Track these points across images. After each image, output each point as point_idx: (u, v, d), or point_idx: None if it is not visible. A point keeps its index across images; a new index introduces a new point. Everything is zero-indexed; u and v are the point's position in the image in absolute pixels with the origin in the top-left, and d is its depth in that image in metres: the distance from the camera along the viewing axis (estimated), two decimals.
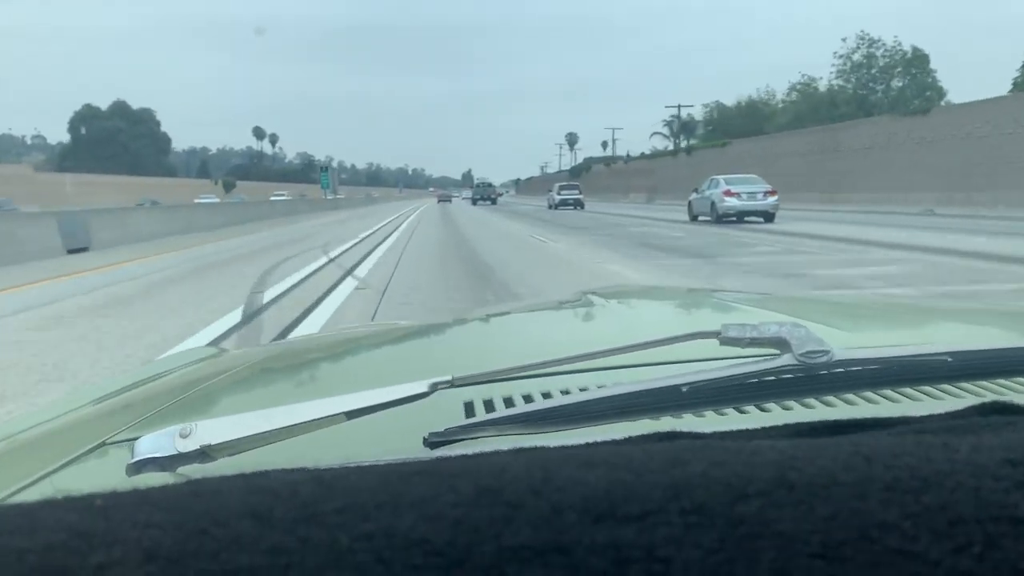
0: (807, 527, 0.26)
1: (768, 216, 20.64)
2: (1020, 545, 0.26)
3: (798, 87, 59.82)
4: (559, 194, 38.62)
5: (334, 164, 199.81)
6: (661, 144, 79.90)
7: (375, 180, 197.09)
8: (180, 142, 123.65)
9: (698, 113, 76.06)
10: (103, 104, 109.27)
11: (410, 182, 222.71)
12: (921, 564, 0.25)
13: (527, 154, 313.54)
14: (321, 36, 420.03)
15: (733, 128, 60.04)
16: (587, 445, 0.39)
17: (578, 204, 37.90)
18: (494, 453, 0.35)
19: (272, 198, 49.64)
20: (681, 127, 78.42)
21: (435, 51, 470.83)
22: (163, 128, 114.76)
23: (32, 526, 0.27)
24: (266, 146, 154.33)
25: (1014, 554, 0.26)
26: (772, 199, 20.83)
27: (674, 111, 79.10)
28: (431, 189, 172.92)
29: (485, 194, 60.31)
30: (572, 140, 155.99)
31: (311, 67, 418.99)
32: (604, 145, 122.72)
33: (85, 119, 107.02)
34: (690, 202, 23.77)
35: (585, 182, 61.87)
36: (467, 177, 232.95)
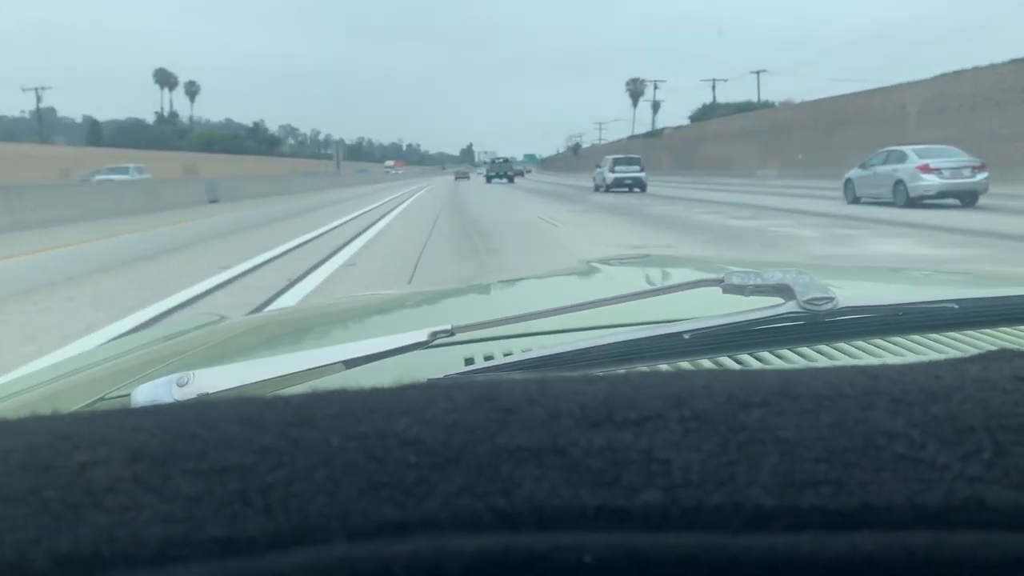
0: (811, 434, 0.26)
1: (971, 198, 15.13)
2: None
3: None
4: (613, 171, 29.04)
5: (321, 138, 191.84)
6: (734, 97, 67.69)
7: (365, 156, 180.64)
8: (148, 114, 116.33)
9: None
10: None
11: (403, 158, 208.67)
12: (928, 469, 0.25)
13: (540, 128, 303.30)
14: (306, 4, 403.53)
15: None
16: None
17: (638, 184, 28.57)
18: (492, 377, 0.33)
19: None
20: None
21: (430, 16, 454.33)
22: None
23: (17, 430, 0.27)
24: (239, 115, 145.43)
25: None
26: (980, 176, 15.34)
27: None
28: (444, 168, 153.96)
29: (502, 171, 53.27)
30: (636, 90, 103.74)
31: (294, 33, 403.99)
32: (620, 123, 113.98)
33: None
34: (849, 181, 17.99)
35: (651, 156, 50.41)
36: (466, 153, 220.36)
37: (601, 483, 0.25)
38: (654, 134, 78.10)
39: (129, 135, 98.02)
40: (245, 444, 0.26)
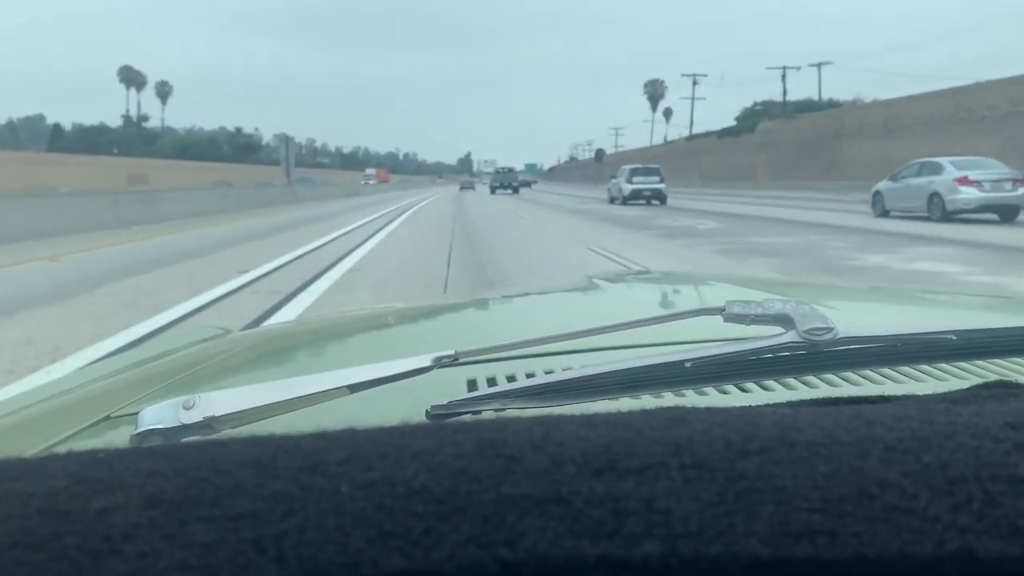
0: (807, 483, 0.27)
1: (1011, 212, 14.91)
2: (1020, 504, 0.26)
3: None
4: (631, 182, 27.78)
5: (318, 146, 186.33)
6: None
7: (357, 165, 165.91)
8: (155, 121, 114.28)
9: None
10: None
11: (400, 167, 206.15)
12: (919, 520, 0.25)
13: (541, 138, 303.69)
14: (301, 9, 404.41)
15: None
16: None
17: (657, 197, 27.20)
18: (496, 417, 0.35)
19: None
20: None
21: (429, 24, 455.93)
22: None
23: (36, 473, 0.27)
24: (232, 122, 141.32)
25: (1013, 512, 0.26)
26: (1022, 189, 15.04)
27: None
28: (441, 177, 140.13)
29: (506, 182, 51.84)
30: (654, 94, 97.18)
31: (291, 43, 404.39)
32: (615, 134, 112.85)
33: None
34: (879, 193, 17.60)
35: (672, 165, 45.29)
36: (464, 162, 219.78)
37: (602, 533, 0.25)
38: (688, 139, 68.88)
39: (90, 140, 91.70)
40: (258, 490, 0.26)
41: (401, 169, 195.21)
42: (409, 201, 34.58)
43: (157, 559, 0.23)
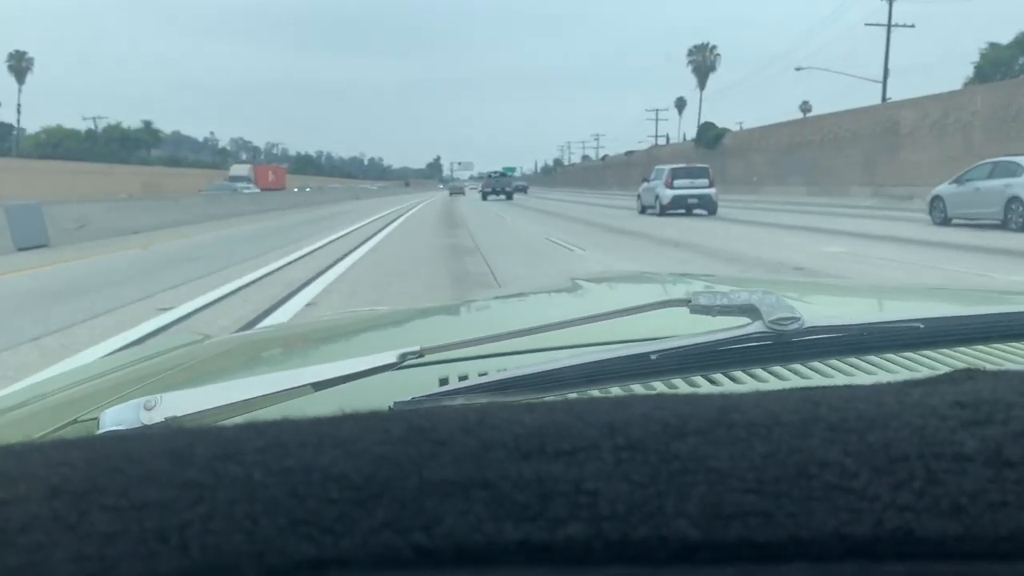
0: (743, 464, 0.26)
1: None
2: (963, 481, 0.26)
3: None
4: (672, 186, 21.68)
5: (277, 151, 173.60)
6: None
7: (322, 172, 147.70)
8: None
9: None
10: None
11: (365, 173, 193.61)
12: (858, 499, 0.25)
13: (516, 143, 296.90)
14: (264, 13, 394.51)
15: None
16: None
17: (705, 206, 21.53)
18: (434, 407, 0.34)
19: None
20: None
21: (395, 29, 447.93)
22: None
23: None
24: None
25: (955, 490, 0.25)
26: None
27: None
28: (407, 184, 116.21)
29: (499, 187, 45.42)
30: (702, 64, 72.37)
31: (254, 48, 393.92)
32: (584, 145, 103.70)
33: None
34: (938, 199, 15.79)
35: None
36: (434, 167, 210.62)
37: (526, 517, 0.24)
38: (710, 135, 54.65)
39: None
40: (168, 479, 0.25)
41: (366, 174, 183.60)
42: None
43: (53, 551, 0.23)
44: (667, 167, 23.27)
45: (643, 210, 23.71)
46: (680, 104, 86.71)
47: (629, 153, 75.94)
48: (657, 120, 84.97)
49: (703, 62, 74.82)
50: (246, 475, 0.25)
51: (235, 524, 0.24)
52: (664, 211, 21.92)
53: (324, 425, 0.29)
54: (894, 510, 0.25)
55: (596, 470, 0.26)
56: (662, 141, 77.91)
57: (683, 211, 21.71)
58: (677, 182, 22.13)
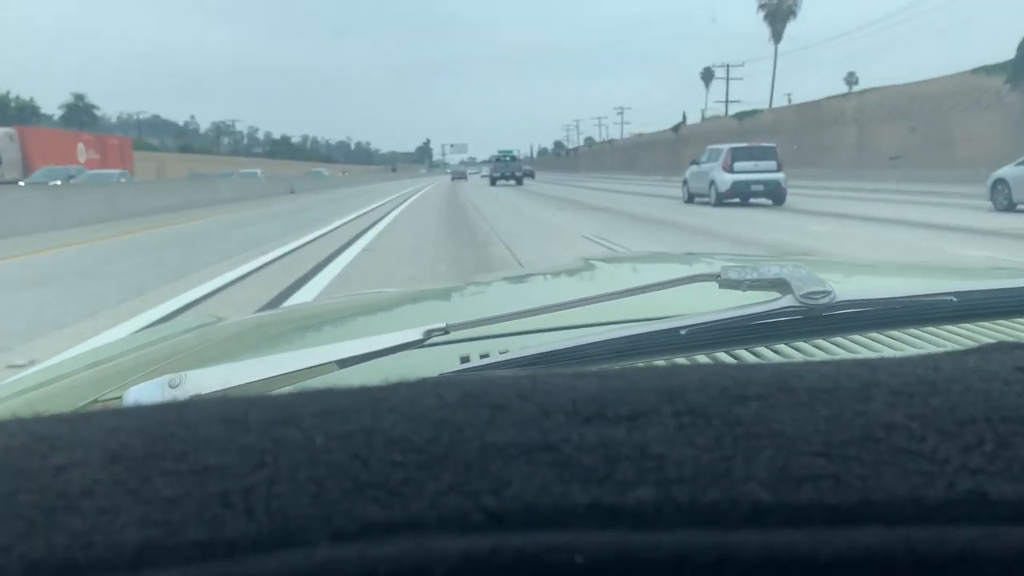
0: (808, 427, 0.26)
1: None
2: None
3: None
4: (731, 170, 18.09)
5: (260, 136, 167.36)
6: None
7: (303, 156, 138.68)
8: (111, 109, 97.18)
9: None
10: None
11: (352, 157, 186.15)
12: (928, 462, 0.25)
13: (509, 126, 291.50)
14: None
15: None
16: None
17: (771, 195, 17.93)
18: (480, 376, 0.34)
19: None
20: None
21: (384, 10, 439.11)
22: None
23: None
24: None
25: None
26: None
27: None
28: (394, 170, 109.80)
29: (508, 171, 42.19)
30: (777, 10, 58.25)
31: (236, 28, 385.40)
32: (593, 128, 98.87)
33: None
34: (1002, 182, 14.22)
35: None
36: (423, 151, 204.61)
37: (593, 480, 0.24)
38: (746, 114, 50.49)
39: None
40: (226, 444, 0.25)
41: (353, 159, 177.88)
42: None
43: (117, 515, 0.23)
44: (725, 147, 19.51)
45: (690, 199, 20.15)
46: (707, 76, 76.19)
47: (678, 127, 61.84)
48: (728, 79, 68.51)
49: (779, 9, 58.95)
50: (306, 439, 0.25)
51: (300, 488, 0.24)
52: (720, 200, 18.32)
53: (377, 392, 0.29)
54: (966, 473, 0.24)
55: (659, 434, 0.26)
56: (690, 120, 66.01)
57: (738, 200, 18.09)
58: (738, 164, 18.39)
